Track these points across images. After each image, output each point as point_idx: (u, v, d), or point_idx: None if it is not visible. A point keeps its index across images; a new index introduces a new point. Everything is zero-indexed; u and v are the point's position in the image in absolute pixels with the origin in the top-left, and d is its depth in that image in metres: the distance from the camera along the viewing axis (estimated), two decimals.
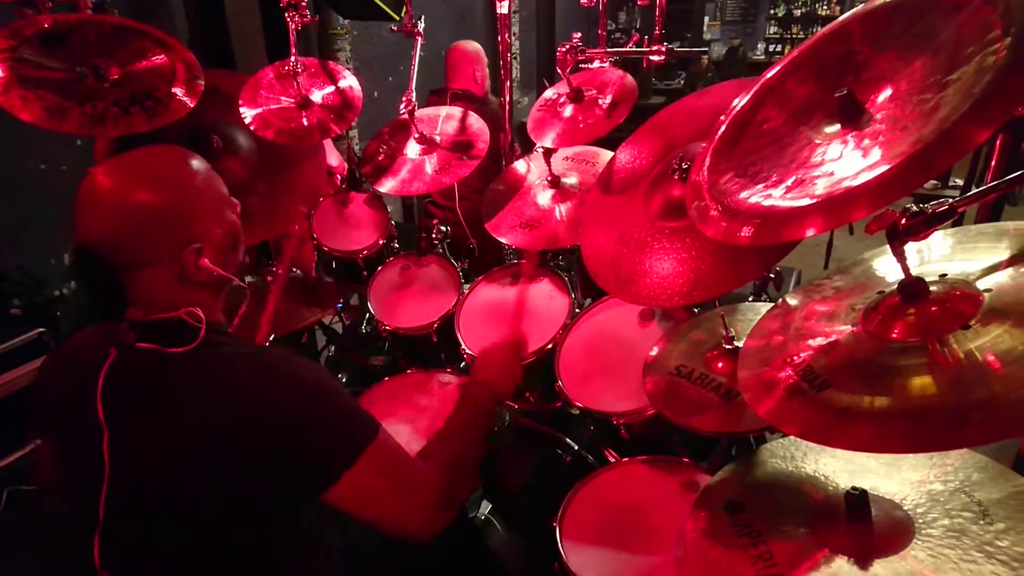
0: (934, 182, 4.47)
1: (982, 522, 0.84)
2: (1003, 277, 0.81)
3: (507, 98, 2.15)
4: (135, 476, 0.96)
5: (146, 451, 0.95)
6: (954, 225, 0.98)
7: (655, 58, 1.72)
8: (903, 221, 0.77)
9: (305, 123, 1.92)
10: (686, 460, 1.36)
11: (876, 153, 0.83)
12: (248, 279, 2.22)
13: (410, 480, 1.05)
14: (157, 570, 1.00)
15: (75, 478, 1.01)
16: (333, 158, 2.51)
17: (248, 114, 1.88)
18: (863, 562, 0.85)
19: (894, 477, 0.97)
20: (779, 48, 11.13)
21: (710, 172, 1.08)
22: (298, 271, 2.36)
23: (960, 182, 4.02)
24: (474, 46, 2.95)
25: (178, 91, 1.71)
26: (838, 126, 0.92)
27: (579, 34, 1.83)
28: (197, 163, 1.04)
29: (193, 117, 1.72)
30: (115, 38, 1.70)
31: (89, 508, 0.95)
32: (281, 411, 0.95)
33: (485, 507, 1.66)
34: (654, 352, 1.44)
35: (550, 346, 1.64)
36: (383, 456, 1.02)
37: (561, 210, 1.80)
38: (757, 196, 0.97)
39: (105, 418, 0.95)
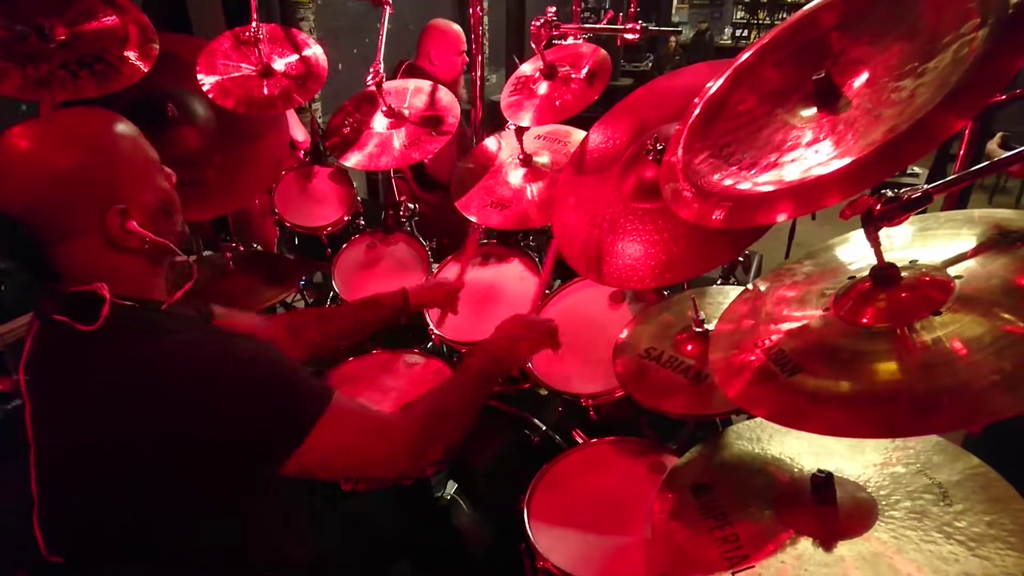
0: None
1: (942, 503, 0.86)
2: (971, 264, 0.82)
3: (479, 73, 2.10)
4: (61, 451, 0.91)
5: (66, 427, 0.91)
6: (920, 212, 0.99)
7: (629, 36, 1.70)
8: (878, 207, 0.77)
9: (267, 92, 1.84)
10: (654, 442, 1.36)
11: (849, 140, 0.83)
12: (206, 253, 2.14)
13: (376, 436, 1.05)
14: (110, 553, 0.95)
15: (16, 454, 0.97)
16: (298, 132, 2.43)
17: (206, 81, 1.79)
18: (828, 544, 0.86)
19: (857, 459, 0.99)
20: (746, 33, 11.22)
21: (685, 152, 1.07)
22: (259, 247, 2.29)
23: (917, 169, 4.11)
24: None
25: (131, 55, 1.62)
26: (814, 110, 0.92)
27: (554, 8, 1.80)
28: (123, 126, 0.98)
29: (147, 83, 1.63)
30: None
31: (24, 487, 0.91)
32: (214, 395, 0.89)
33: (451, 487, 1.65)
34: (624, 334, 1.44)
35: None
36: (342, 421, 0.99)
37: (533, 190, 1.77)
38: (730, 178, 0.96)
39: (27, 390, 0.91)
